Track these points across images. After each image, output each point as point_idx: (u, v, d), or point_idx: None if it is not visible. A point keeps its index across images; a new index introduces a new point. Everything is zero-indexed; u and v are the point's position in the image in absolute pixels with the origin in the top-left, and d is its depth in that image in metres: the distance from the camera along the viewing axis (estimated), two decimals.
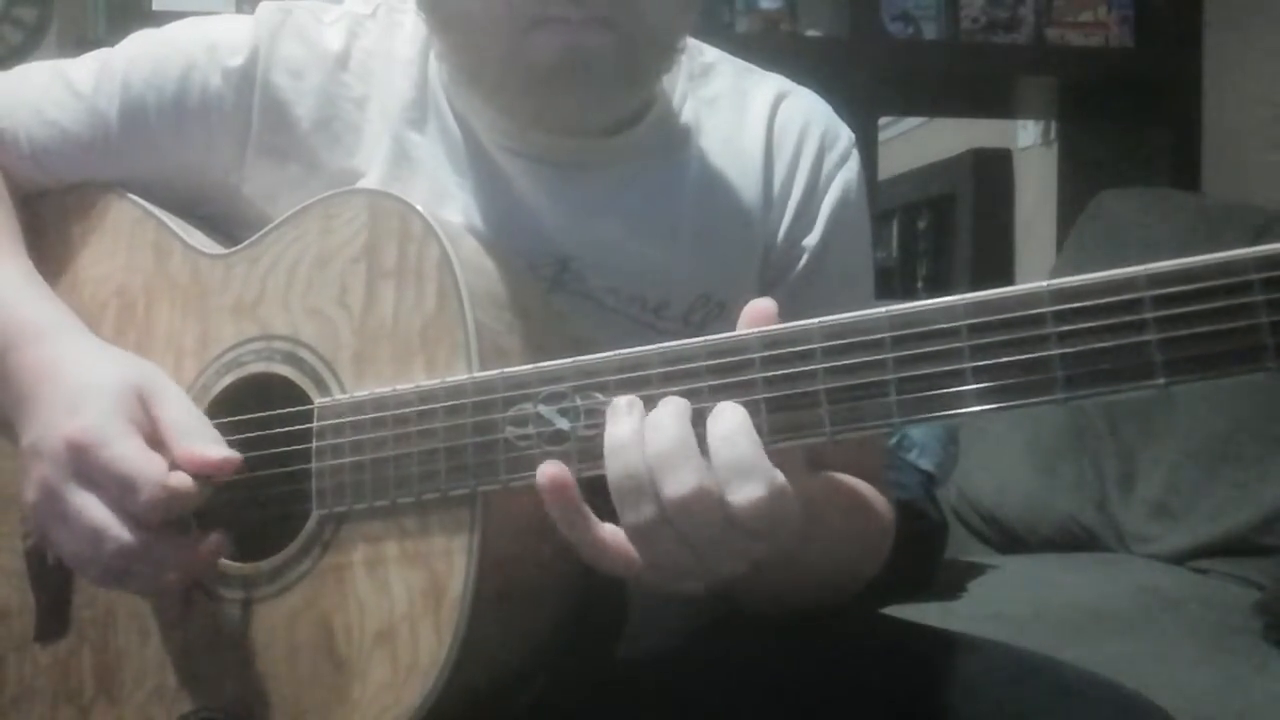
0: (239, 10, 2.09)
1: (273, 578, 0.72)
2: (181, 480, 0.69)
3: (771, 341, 0.61)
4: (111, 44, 0.88)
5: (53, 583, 0.79)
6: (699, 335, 0.82)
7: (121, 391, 0.72)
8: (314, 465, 0.71)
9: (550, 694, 0.74)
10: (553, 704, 0.74)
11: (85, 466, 0.69)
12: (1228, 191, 2.16)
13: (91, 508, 0.69)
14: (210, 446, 0.71)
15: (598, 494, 0.68)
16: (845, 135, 0.90)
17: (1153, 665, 1.19)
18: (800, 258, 0.86)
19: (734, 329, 0.83)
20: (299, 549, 0.71)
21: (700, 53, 0.90)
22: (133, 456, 0.69)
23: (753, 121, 0.87)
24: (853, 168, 0.89)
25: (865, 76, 2.20)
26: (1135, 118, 2.38)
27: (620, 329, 0.81)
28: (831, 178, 0.88)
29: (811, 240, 0.86)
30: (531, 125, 0.81)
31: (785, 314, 0.86)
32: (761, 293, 0.83)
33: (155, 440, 0.71)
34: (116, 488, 0.68)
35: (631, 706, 0.78)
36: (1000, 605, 1.44)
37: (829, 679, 0.75)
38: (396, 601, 0.67)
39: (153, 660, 0.75)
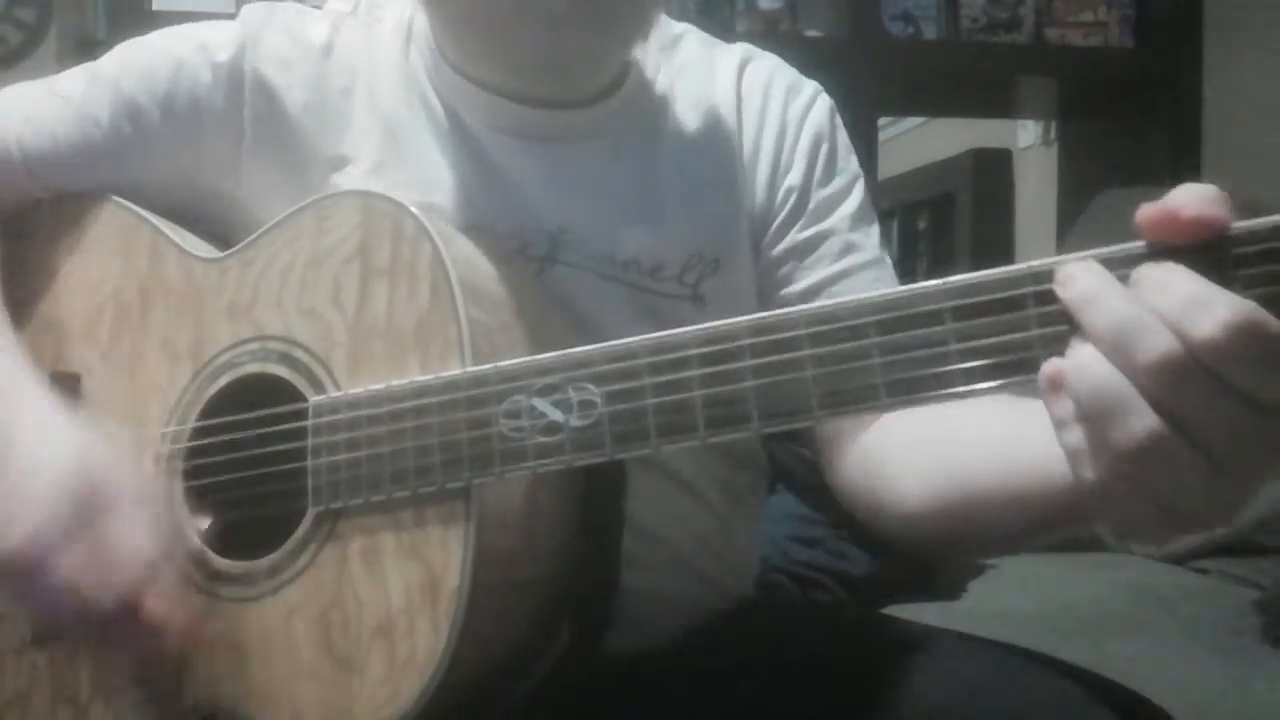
0: (239, 9, 2.09)
1: (269, 575, 0.72)
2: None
3: (759, 328, 0.61)
4: (112, 44, 0.89)
5: None
6: (696, 293, 0.83)
7: (73, 489, 0.69)
8: (309, 463, 0.71)
9: (545, 688, 0.74)
10: (548, 698, 0.74)
11: (24, 582, 0.68)
12: (1228, 192, 2.16)
13: (60, 575, 0.67)
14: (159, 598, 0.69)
15: (596, 480, 0.69)
16: (810, 85, 0.92)
17: (1153, 665, 1.19)
18: (785, 200, 0.88)
19: (731, 286, 0.85)
20: (295, 546, 0.71)
21: (669, 24, 0.92)
22: (73, 580, 0.68)
23: (722, 85, 0.90)
24: (821, 109, 0.91)
25: (865, 76, 2.20)
26: (1135, 118, 2.38)
27: (618, 296, 0.83)
28: (801, 121, 0.90)
29: (791, 180, 0.88)
30: (496, 92, 0.82)
31: (782, 259, 0.86)
32: (754, 245, 0.86)
33: (96, 549, 0.69)
34: (61, 601, 0.68)
35: (628, 703, 0.79)
36: (1000, 605, 1.44)
37: (829, 678, 0.75)
38: (393, 595, 0.67)
39: (150, 660, 0.75)
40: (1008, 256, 2.96)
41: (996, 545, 0.78)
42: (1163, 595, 1.46)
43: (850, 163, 0.92)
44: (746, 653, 0.80)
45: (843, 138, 0.92)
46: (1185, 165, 2.25)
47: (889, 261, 0.90)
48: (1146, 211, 0.52)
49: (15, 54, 2.55)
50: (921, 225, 3.36)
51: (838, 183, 0.90)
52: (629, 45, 0.84)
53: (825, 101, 0.92)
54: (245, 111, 0.83)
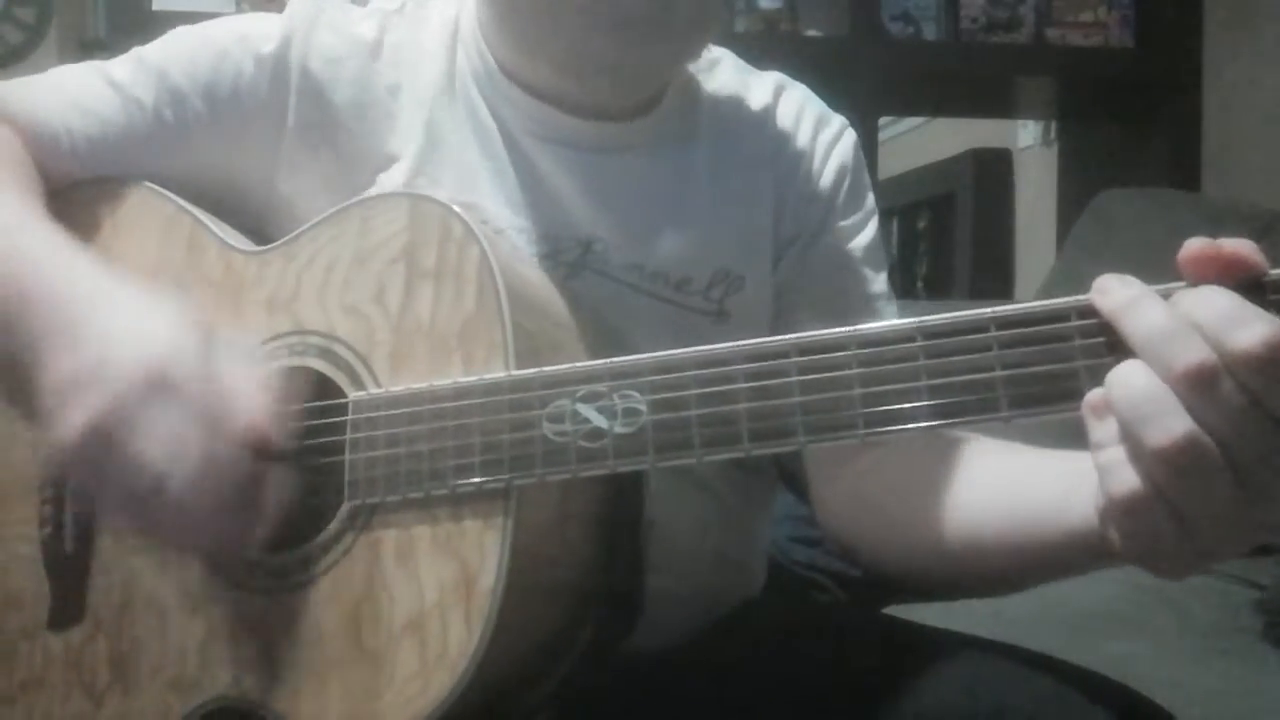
0: (238, 9, 2.09)
1: (301, 567, 0.72)
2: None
3: (808, 346, 0.62)
4: (112, 44, 0.89)
5: (69, 570, 0.79)
6: (720, 309, 0.85)
7: (189, 322, 0.69)
8: (347, 457, 0.71)
9: (563, 688, 0.74)
10: (565, 698, 0.75)
11: (171, 384, 0.65)
12: (1228, 191, 2.16)
13: (177, 418, 0.64)
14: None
15: (621, 485, 0.70)
16: (838, 119, 0.95)
17: (1153, 665, 1.19)
18: (806, 225, 0.89)
19: (753, 303, 0.86)
20: (329, 539, 0.71)
21: (707, 49, 0.92)
22: (233, 375, 0.66)
23: (756, 109, 0.92)
24: (848, 143, 0.93)
25: (865, 76, 2.20)
26: (1135, 118, 2.38)
27: (644, 307, 0.83)
28: (829, 151, 0.92)
29: (815, 206, 0.90)
30: (591, 80, 0.83)
31: (795, 280, 0.88)
32: (774, 264, 0.87)
33: (218, 385, 0.67)
34: (210, 407, 0.65)
35: (638, 703, 0.79)
36: (1000, 605, 1.43)
37: (829, 679, 0.75)
38: (426, 591, 0.68)
39: (171, 649, 0.75)
40: (1008, 256, 2.97)
41: (986, 588, 0.79)
42: (1163, 595, 1.45)
43: (869, 199, 0.93)
44: (747, 653, 0.80)
45: (865, 173, 0.94)
46: (1185, 165, 2.26)
47: (895, 302, 0.91)
48: (1188, 249, 0.53)
49: (15, 54, 2.55)
50: (921, 225, 3.36)
51: (857, 216, 0.91)
52: (688, 56, 0.86)
53: (851, 135, 0.94)
54: (290, 105, 0.84)
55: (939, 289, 3.19)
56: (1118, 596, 1.46)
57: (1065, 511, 0.63)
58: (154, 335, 0.67)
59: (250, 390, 0.67)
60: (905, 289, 3.23)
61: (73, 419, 0.65)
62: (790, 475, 0.92)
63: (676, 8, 0.78)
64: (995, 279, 2.90)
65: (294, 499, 0.72)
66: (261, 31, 0.85)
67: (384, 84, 0.85)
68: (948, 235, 3.19)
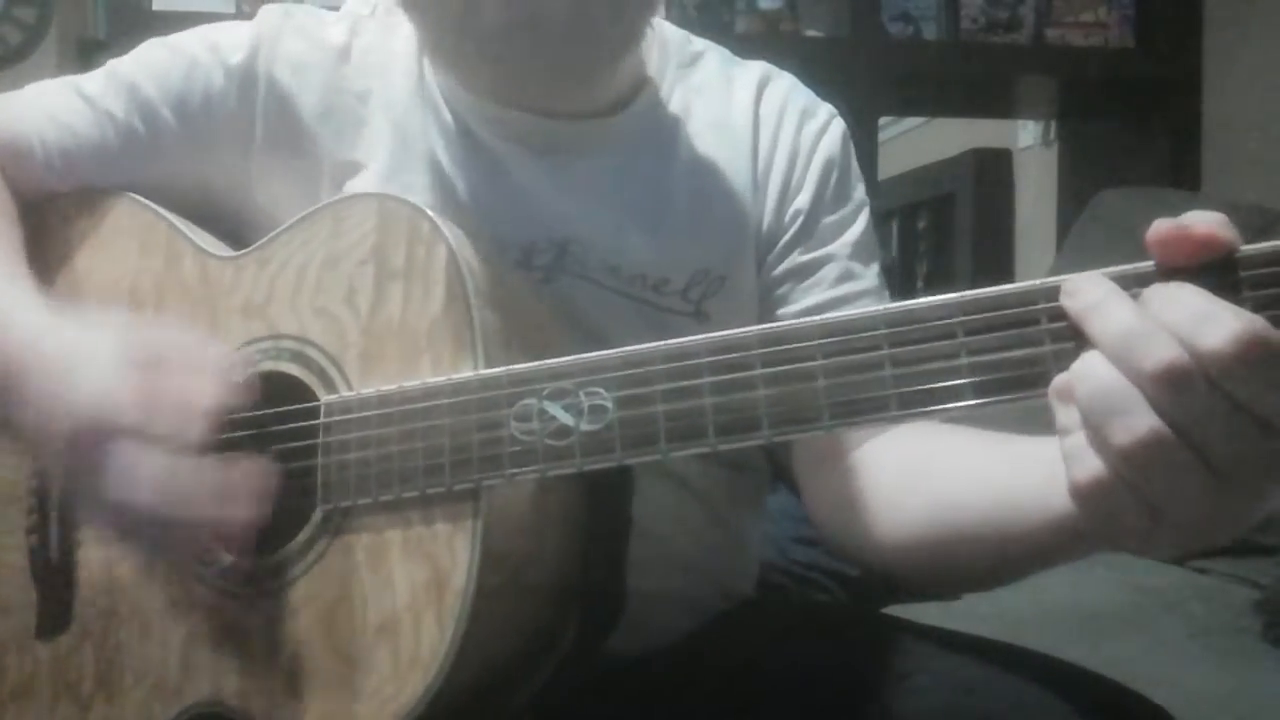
0: (239, 10, 2.10)
1: (276, 572, 0.72)
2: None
3: (771, 338, 0.61)
4: (112, 44, 0.90)
5: (55, 578, 0.79)
6: (699, 309, 0.84)
7: (127, 348, 0.70)
8: (320, 461, 0.71)
9: (548, 690, 0.74)
10: (550, 700, 0.75)
11: (103, 434, 0.67)
12: (1228, 191, 2.16)
13: (122, 459, 0.66)
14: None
15: (604, 484, 0.69)
16: (825, 108, 0.92)
17: (1153, 665, 1.19)
18: (792, 222, 0.88)
19: (733, 304, 0.85)
20: (303, 543, 0.71)
21: (689, 42, 0.92)
22: (181, 374, 0.68)
23: (739, 105, 0.90)
24: (835, 136, 0.90)
25: (865, 76, 2.20)
26: (1135, 118, 2.38)
27: (621, 309, 0.83)
28: (814, 146, 0.89)
29: (800, 203, 0.88)
30: (500, 102, 0.82)
31: (781, 279, 0.87)
32: (759, 264, 0.86)
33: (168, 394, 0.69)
34: (156, 430, 0.67)
35: (629, 704, 0.79)
36: (1000, 605, 1.44)
37: (829, 678, 0.75)
38: (399, 594, 0.68)
39: (154, 656, 0.75)
40: (1008, 256, 2.96)
41: (977, 580, 0.78)
42: (1163, 595, 1.46)
43: (858, 190, 0.91)
44: (746, 653, 0.80)
45: (853, 164, 0.92)
46: (1185, 165, 2.26)
47: (888, 296, 0.89)
48: (1157, 230, 0.52)
49: (15, 54, 2.55)
50: (921, 225, 3.37)
51: (844, 210, 0.89)
52: (590, 72, 0.82)
53: (839, 126, 0.91)
54: (258, 114, 0.84)
55: (939, 289, 3.19)
56: (1118, 596, 1.46)
57: (1048, 497, 0.62)
58: (81, 387, 0.68)
59: (197, 383, 0.68)
60: (906, 289, 3.24)
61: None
62: (791, 474, 0.92)
63: (544, 25, 0.74)
64: (995, 279, 2.89)
65: (269, 505, 0.72)
66: (232, 41, 0.85)
67: (353, 90, 0.84)
68: (948, 235, 3.19)
